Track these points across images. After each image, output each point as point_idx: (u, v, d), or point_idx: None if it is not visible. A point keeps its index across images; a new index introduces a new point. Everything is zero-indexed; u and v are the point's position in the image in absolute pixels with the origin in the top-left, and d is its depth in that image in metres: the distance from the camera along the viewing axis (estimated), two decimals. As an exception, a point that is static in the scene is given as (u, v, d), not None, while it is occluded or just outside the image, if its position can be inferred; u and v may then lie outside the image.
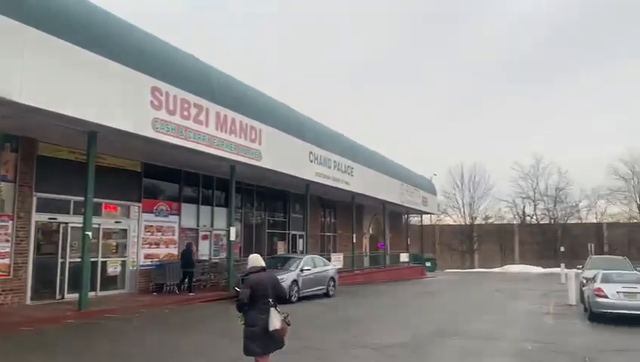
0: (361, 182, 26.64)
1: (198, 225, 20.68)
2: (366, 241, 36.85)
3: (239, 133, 16.88)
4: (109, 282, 16.77)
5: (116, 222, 17.26)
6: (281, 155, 19.31)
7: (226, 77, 17.25)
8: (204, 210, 21.09)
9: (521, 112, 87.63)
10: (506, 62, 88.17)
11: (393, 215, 40.37)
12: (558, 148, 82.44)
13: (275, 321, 5.91)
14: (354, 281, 26.36)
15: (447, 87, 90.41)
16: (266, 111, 18.81)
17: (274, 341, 6.01)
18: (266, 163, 18.35)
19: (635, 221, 54.54)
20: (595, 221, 56.37)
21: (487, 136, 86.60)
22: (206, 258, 20.69)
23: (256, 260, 6.38)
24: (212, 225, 21.42)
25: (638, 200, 54.91)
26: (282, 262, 18.59)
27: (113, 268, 16.91)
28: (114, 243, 17.23)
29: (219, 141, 15.93)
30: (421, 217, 45.15)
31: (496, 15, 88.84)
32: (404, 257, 37.03)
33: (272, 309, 5.97)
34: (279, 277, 16.51)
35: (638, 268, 18.54)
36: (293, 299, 16.74)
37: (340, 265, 25.60)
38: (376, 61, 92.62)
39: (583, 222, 57.08)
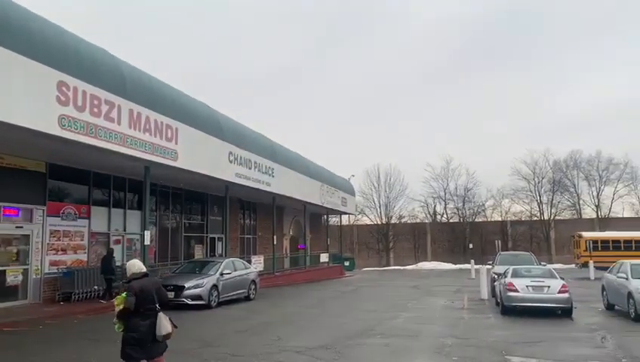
0: (282, 183, 26.42)
1: (109, 229, 19.53)
2: (286, 243, 36.71)
3: (154, 132, 16.07)
4: (9, 293, 15.38)
5: (17, 227, 15.86)
6: (198, 155, 18.66)
7: (141, 73, 16.38)
8: (116, 213, 19.97)
9: (434, 115, 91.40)
10: (418, 67, 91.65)
11: (313, 216, 40.54)
12: (466, 150, 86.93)
13: (166, 325, 5.97)
14: (275, 283, 26.10)
15: (362, 90, 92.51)
16: (183, 109, 18.09)
17: (159, 345, 6.01)
18: (182, 163, 17.63)
19: (535, 218, 58.43)
20: (500, 219, 59.77)
21: (401, 138, 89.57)
22: (119, 264, 19.57)
23: (136, 266, 6.30)
24: (125, 229, 20.32)
25: (538, 199, 58.95)
26: (201, 267, 17.98)
27: (14, 278, 15.53)
28: (14, 251, 15.82)
29: (132, 140, 15.07)
30: (340, 217, 45.68)
31: (411, 20, 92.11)
32: (324, 257, 37.27)
33: (160, 314, 6.01)
34: (198, 281, 16.16)
35: (542, 263, 19.80)
36: (213, 304, 16.23)
37: (260, 268, 25.26)
38: (292, 64, 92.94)
39: (489, 220, 60.37)
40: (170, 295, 15.60)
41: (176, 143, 17.24)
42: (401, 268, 51.85)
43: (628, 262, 14.59)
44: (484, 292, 18.76)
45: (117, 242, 19.96)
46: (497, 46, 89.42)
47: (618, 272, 14.45)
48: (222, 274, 17.16)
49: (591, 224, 53.82)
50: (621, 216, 59.22)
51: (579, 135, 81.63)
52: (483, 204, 60.26)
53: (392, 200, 61.01)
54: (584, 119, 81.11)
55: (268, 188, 24.85)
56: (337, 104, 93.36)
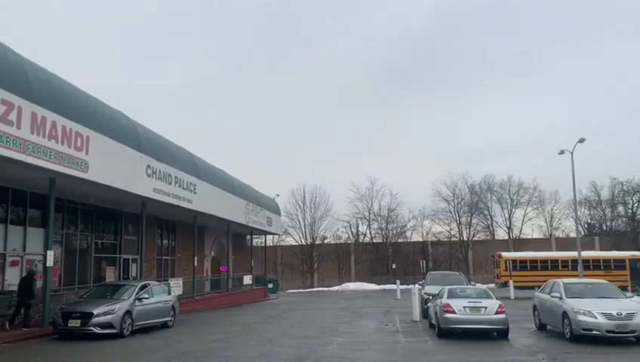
0: (204, 200, 24.87)
1: (5, 249, 17.18)
2: (208, 264, 34.82)
3: (61, 139, 14.28)
4: None
5: None
6: (112, 167, 16.91)
7: (48, 74, 14.60)
8: (15, 230, 17.62)
9: (359, 137, 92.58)
10: (343, 89, 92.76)
11: (237, 236, 38.95)
12: (391, 172, 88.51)
13: None
14: (195, 308, 24.36)
15: (288, 112, 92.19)
16: (97, 116, 16.36)
17: None
18: (93, 175, 15.85)
19: (454, 239, 59.99)
20: (421, 239, 60.83)
21: (327, 160, 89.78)
22: (15, 288, 17.21)
23: None
24: (24, 249, 17.98)
25: (457, 220, 60.58)
26: (112, 291, 16.12)
27: None
28: None
29: (35, 147, 13.25)
30: (265, 238, 44.37)
31: (338, 42, 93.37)
32: (247, 280, 35.74)
33: None
34: (108, 307, 14.34)
35: (472, 283, 19.66)
36: (126, 332, 14.46)
37: (179, 292, 23.47)
38: (213, 82, 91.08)
39: (411, 240, 61.28)
40: (76, 323, 13.76)
41: (86, 153, 15.48)
42: (326, 289, 51.14)
43: (561, 281, 14.56)
44: (417, 314, 18.24)
45: (14, 263, 17.60)
46: (420, 72, 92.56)
47: (551, 292, 14.34)
48: (137, 299, 15.42)
49: (504, 245, 55.90)
50: (531, 237, 62.22)
51: (493, 160, 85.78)
52: (405, 225, 61.22)
53: (318, 220, 60.58)
54: (498, 146, 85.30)
55: (189, 206, 23.23)
56: (263, 123, 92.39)
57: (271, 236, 52.92)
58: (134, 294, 15.50)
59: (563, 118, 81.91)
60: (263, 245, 44.44)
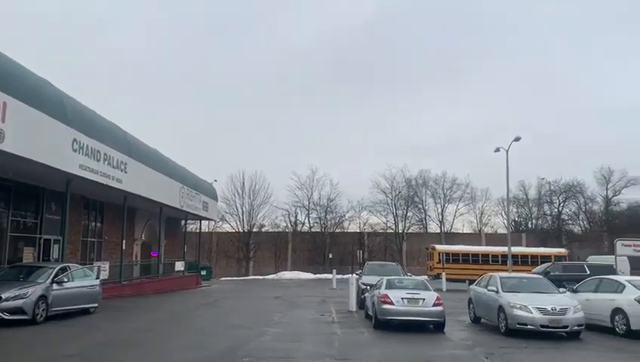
0: (136, 180, 23.44)
1: None
2: (137, 249, 33.19)
3: (-28, 104, 12.79)
4: None
5: None
6: (34, 139, 15.40)
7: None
8: None
9: (302, 127, 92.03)
10: (290, 78, 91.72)
11: (171, 220, 37.40)
12: (331, 162, 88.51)
13: None
14: (122, 294, 23.06)
15: (231, 98, 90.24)
16: (17, 81, 14.81)
17: None
18: (11, 147, 14.33)
19: (390, 231, 60.77)
20: (358, 230, 61.20)
21: (268, 147, 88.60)
22: None
23: None
24: None
25: (394, 212, 61.34)
26: (27, 273, 14.74)
27: None
28: None
29: (-61, 110, 11.75)
30: (200, 223, 43.02)
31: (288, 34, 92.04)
32: (179, 266, 34.42)
33: None
34: (20, 291, 13.04)
35: (408, 274, 19.60)
36: (40, 319, 13.23)
37: (105, 276, 22.07)
38: (151, 65, 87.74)
39: (348, 231, 61.53)
40: (-18, 308, 12.41)
41: (3, 121, 13.97)
42: (261, 277, 50.42)
43: (497, 275, 14.60)
44: (353, 304, 17.94)
45: None
46: (363, 66, 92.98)
47: (488, 285, 14.36)
48: (54, 283, 14.16)
49: (437, 238, 57.15)
50: (461, 231, 64.08)
51: (430, 156, 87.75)
52: (344, 215, 61.34)
53: (256, 207, 59.44)
54: (435, 142, 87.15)
55: (119, 186, 21.80)
56: (205, 107, 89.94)
57: (207, 222, 51.58)
58: (51, 277, 14.23)
59: (496, 119, 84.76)
60: (197, 231, 43.11)
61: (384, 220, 61.48)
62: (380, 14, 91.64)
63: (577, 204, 64.11)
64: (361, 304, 17.39)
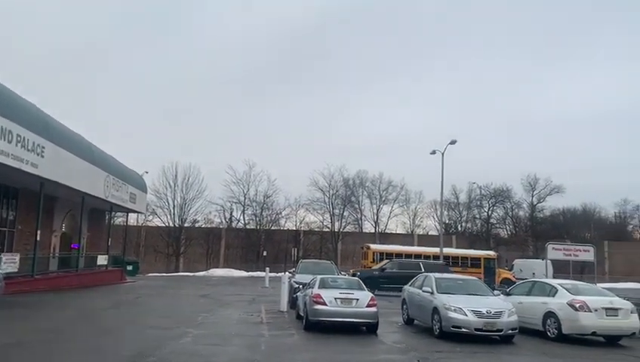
0: (55, 166, 21.55)
1: None
2: (56, 240, 30.88)
3: None
4: None
5: None
6: None
7: None
8: None
9: (241, 122, 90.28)
10: (227, 73, 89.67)
11: (95, 211, 35.15)
12: (270, 159, 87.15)
13: None
14: (34, 289, 21.17)
15: (168, 90, 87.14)
16: None
17: None
18: None
19: (326, 229, 60.44)
20: (294, 228, 60.44)
21: (203, 140, 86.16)
22: None
23: None
24: None
25: (331, 210, 61.04)
26: None
27: None
28: None
29: None
30: (127, 216, 40.83)
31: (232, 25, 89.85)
32: (101, 260, 32.38)
33: None
34: None
35: (342, 272, 19.02)
36: None
37: (13, 269, 20.17)
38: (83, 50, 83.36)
39: (284, 228, 60.62)
40: None
41: None
42: (191, 274, 48.57)
43: (432, 275, 14.22)
44: (284, 304, 17.13)
45: None
46: (306, 65, 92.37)
47: (422, 286, 13.94)
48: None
49: (371, 238, 57.40)
50: (395, 232, 64.84)
51: (369, 157, 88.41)
52: (280, 212, 60.35)
53: (189, 201, 57.17)
54: (372, 143, 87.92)
55: (33, 171, 19.92)
56: (140, 98, 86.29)
57: (135, 215, 49.18)
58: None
59: (432, 124, 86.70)
60: (125, 223, 40.88)
61: (321, 218, 61.15)
62: (322, 16, 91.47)
63: (505, 209, 66.48)
64: (293, 303, 16.63)
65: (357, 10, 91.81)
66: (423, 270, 27.22)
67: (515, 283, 37.37)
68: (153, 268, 51.65)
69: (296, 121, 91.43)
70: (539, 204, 65.56)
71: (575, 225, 66.06)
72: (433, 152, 35.66)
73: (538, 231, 62.73)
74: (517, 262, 46.36)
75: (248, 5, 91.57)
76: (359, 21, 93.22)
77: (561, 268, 37.59)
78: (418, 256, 37.56)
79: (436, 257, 35.51)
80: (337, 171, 60.65)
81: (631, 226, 71.40)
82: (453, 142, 34.40)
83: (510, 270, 42.99)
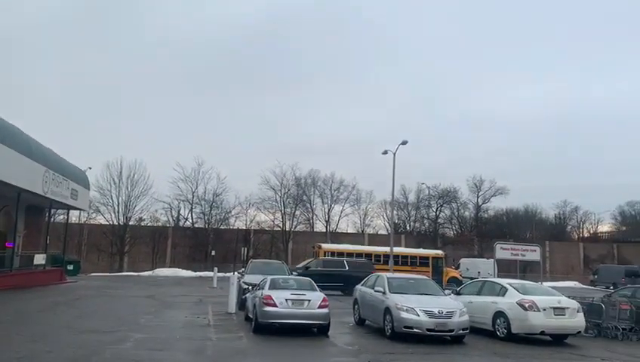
0: (-15, 159, 20.17)
1: None
2: (-11, 238, 29.01)
3: None
4: None
5: None
6: None
7: None
8: None
9: (189, 119, 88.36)
10: (178, 69, 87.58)
11: (32, 208, 33.25)
12: (220, 157, 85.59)
13: None
14: (-41, 290, 19.70)
15: (113, 85, 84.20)
16: None
17: None
18: None
19: (277, 229, 59.81)
20: (244, 227, 59.51)
21: (151, 137, 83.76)
22: None
23: None
24: None
25: (282, 209, 60.46)
26: None
27: None
28: None
29: None
30: (67, 213, 38.95)
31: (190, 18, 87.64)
32: (39, 259, 30.61)
33: None
34: None
35: (294, 272, 18.64)
36: None
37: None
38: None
39: (233, 228, 59.57)
40: None
41: None
42: (136, 274, 46.87)
43: (384, 275, 14.06)
44: (232, 305, 16.56)
45: None
46: (258, 63, 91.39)
47: (374, 286, 13.72)
48: None
49: (323, 237, 57.32)
50: (346, 231, 65.06)
51: (320, 157, 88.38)
52: (230, 211, 59.23)
53: (134, 199, 55.13)
54: (324, 144, 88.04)
55: (-38, 163, 18.54)
56: (86, 92, 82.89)
57: (77, 212, 47.05)
58: None
59: (382, 126, 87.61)
60: (65, 221, 38.97)
61: (272, 218, 60.46)
62: (274, 15, 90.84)
63: (452, 209, 67.99)
64: (242, 305, 16.10)
65: (308, 11, 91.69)
66: (347, 268, 27.26)
67: (462, 281, 38.62)
68: (96, 268, 49.57)
69: (248, 119, 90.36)
70: (484, 205, 67.41)
71: (517, 225, 68.33)
72: (385, 152, 35.81)
73: (483, 230, 64.44)
74: (463, 261, 47.38)
75: (201, 3, 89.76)
76: (311, 21, 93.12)
77: (504, 267, 38.71)
78: (369, 254, 37.64)
79: (387, 256, 35.66)
80: (289, 170, 60.16)
81: (569, 227, 74.44)
82: (404, 143, 34.65)
83: (457, 269, 43.85)
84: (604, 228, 74.67)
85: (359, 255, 37.64)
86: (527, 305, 12.44)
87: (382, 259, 36.73)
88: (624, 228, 72.60)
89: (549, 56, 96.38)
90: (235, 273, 19.69)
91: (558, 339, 12.97)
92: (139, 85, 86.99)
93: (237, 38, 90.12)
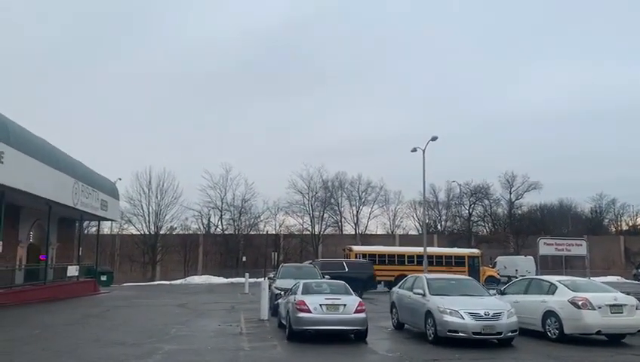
0: (15, 172, 20.11)
1: None
2: (22, 251, 29.22)
3: None
4: None
5: None
6: None
7: None
8: None
9: (216, 126, 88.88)
10: (201, 78, 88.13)
11: (64, 220, 33.53)
12: (247, 163, 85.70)
13: None
14: (-4, 304, 19.73)
15: (140, 96, 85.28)
16: None
17: None
18: None
19: (307, 233, 59.32)
20: (273, 232, 59.18)
21: (181, 146, 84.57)
22: None
23: None
24: None
25: (311, 213, 59.97)
26: None
27: None
28: None
29: None
30: (98, 224, 39.19)
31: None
32: (72, 271, 30.77)
33: None
34: None
35: (326, 276, 18.03)
36: None
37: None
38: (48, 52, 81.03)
39: (263, 233, 59.31)
40: None
41: None
42: (168, 282, 46.99)
43: (423, 276, 13.29)
44: (265, 312, 16.03)
45: None
46: (280, 68, 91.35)
47: (413, 288, 12.96)
48: None
49: (352, 239, 56.55)
50: (375, 233, 64.15)
51: (347, 158, 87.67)
52: (259, 216, 59.00)
53: (164, 208, 55.37)
54: (351, 145, 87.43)
55: (-8, 178, 18.52)
56: (114, 105, 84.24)
57: (109, 223, 47.48)
58: None
59: (408, 125, 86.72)
60: (97, 232, 39.21)
61: (300, 221, 60.03)
62: (296, 17, 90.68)
63: (484, 206, 66.35)
64: (275, 311, 15.56)
65: (332, 14, 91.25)
66: (346, 269, 26.28)
67: (499, 280, 37.35)
68: (129, 278, 49.92)
69: (273, 123, 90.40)
70: (517, 201, 65.57)
71: (553, 220, 66.39)
72: (414, 150, 34.92)
73: (517, 227, 62.70)
74: (500, 259, 45.95)
75: (224, 6, 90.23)
76: (335, 23, 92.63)
77: (544, 264, 37.34)
78: (401, 256, 36.80)
79: (420, 256, 34.75)
80: (316, 173, 59.67)
81: (607, 220, 72.04)
82: (434, 139, 33.70)
83: (493, 267, 42.56)
84: (644, 220, 72.07)
85: (391, 256, 36.85)
86: (580, 303, 11.49)
87: (415, 259, 35.83)
88: (665, 219, 69.90)
89: (579, 45, 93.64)
90: (266, 278, 19.14)
91: (614, 339, 11.98)
92: (162, 93, 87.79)
93: (260, 41, 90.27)
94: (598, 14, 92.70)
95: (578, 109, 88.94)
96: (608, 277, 47.14)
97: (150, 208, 54.99)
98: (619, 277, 48.38)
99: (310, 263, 28.13)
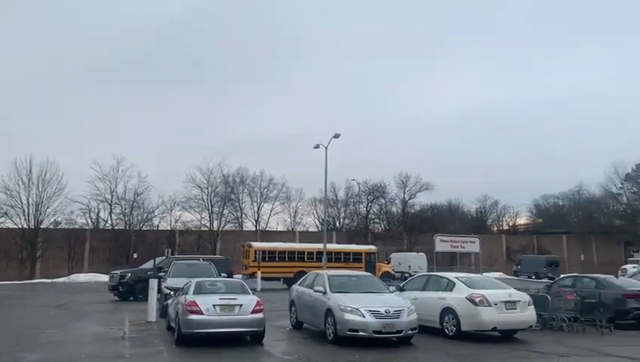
0: None
1: None
2: None
3: None
4: None
5: None
6: None
7: None
8: None
9: (108, 117, 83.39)
10: (98, 67, 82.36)
11: None
12: (142, 156, 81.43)
13: None
14: None
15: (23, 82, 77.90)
16: None
17: None
18: None
19: (205, 228, 57.33)
20: (168, 228, 56.47)
21: (64, 135, 78.34)
22: None
23: None
24: None
25: (209, 208, 57.95)
26: None
27: None
28: None
29: None
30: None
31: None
32: None
33: None
34: None
35: (222, 274, 17.03)
36: None
37: None
38: None
39: (157, 228, 56.32)
40: None
41: None
42: (49, 280, 43.05)
43: (324, 273, 12.77)
44: (153, 314, 14.72)
45: None
46: (182, 62, 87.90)
47: (313, 285, 12.39)
48: None
49: (252, 236, 55.54)
50: (276, 230, 63.75)
51: (248, 155, 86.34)
52: (153, 211, 55.92)
53: (46, 200, 50.55)
54: (254, 141, 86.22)
55: None
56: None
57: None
58: None
59: (309, 125, 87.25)
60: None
61: (199, 217, 57.82)
62: (197, 11, 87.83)
63: (380, 205, 68.53)
64: (164, 312, 14.32)
65: (228, 13, 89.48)
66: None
67: (394, 276, 38.28)
68: (5, 276, 45.02)
69: (172, 116, 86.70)
70: (410, 200, 68.52)
71: (442, 219, 70.00)
72: (317, 146, 34.75)
73: (410, 225, 65.32)
74: (394, 255, 47.22)
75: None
76: (232, 20, 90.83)
77: (437, 261, 38.87)
78: (301, 252, 36.45)
79: (320, 253, 34.62)
80: (216, 167, 57.59)
81: (490, 220, 77.34)
82: (336, 136, 33.72)
83: (388, 263, 43.62)
84: (522, 220, 78.38)
85: (291, 252, 36.34)
86: (477, 300, 11.53)
87: (315, 256, 35.60)
88: (540, 220, 76.27)
89: (470, 55, 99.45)
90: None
91: (507, 335, 12.21)
92: (48, 82, 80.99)
93: (161, 34, 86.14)
94: (488, 23, 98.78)
95: (469, 118, 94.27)
96: (492, 273, 50.29)
97: (30, 200, 49.98)
98: (501, 273, 51.57)
99: (165, 260, 26.76)
